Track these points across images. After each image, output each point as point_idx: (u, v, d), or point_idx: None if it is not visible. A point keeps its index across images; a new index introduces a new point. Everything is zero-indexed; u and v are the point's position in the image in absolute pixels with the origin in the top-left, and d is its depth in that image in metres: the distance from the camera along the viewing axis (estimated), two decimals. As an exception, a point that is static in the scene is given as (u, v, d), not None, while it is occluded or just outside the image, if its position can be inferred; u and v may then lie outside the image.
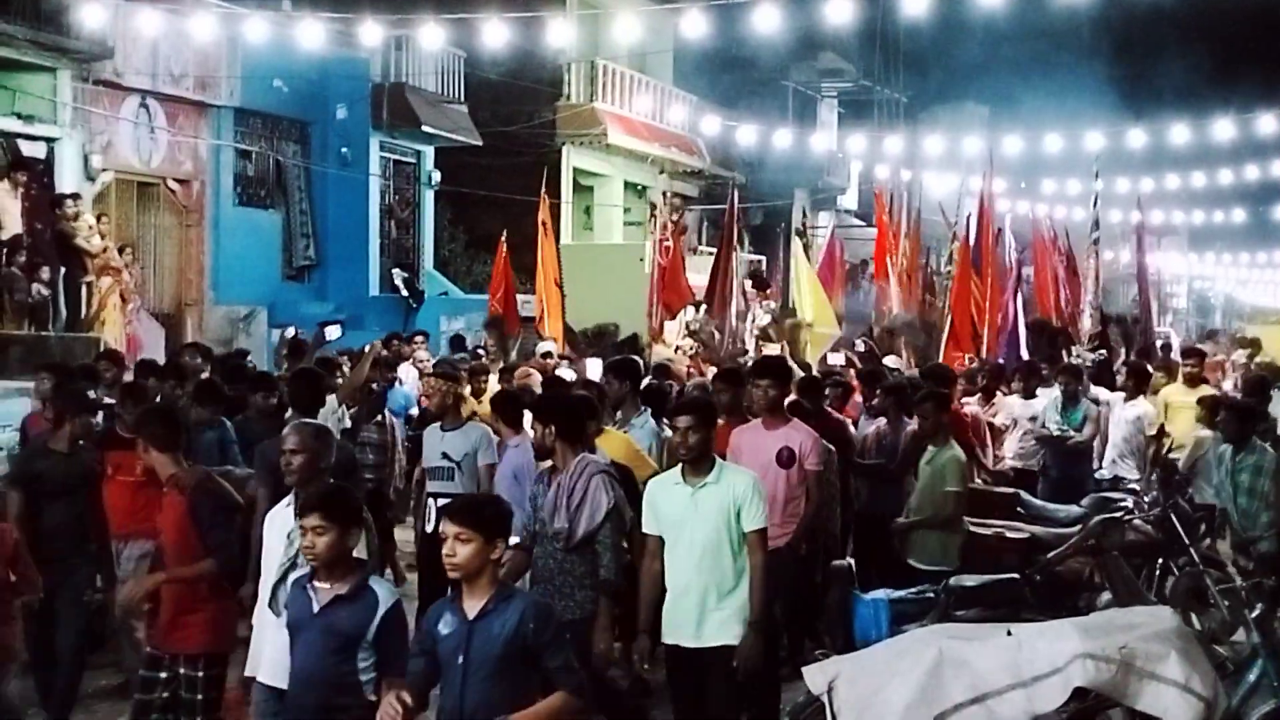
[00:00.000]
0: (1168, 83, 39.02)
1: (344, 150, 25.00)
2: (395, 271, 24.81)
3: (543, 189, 18.82)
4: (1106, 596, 8.36)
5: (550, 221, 19.06)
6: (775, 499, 8.04)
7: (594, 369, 13.21)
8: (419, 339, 17.22)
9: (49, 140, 18.79)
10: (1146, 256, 21.41)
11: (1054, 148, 26.05)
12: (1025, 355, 16.57)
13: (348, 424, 11.09)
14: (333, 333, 13.20)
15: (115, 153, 20.45)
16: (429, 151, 27.02)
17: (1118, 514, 9.20)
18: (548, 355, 15.55)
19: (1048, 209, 30.04)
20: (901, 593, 8.22)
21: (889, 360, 16.10)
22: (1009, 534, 10.00)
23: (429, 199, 27.26)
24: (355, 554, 5.77)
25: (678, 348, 17.74)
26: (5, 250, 17.34)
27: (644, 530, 7.23)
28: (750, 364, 12.03)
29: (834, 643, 8.53)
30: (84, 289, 17.83)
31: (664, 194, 30.72)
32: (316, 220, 25.16)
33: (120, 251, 18.65)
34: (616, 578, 7.30)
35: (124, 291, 18.19)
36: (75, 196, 18.10)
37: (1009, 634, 5.71)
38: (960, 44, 37.08)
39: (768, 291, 19.87)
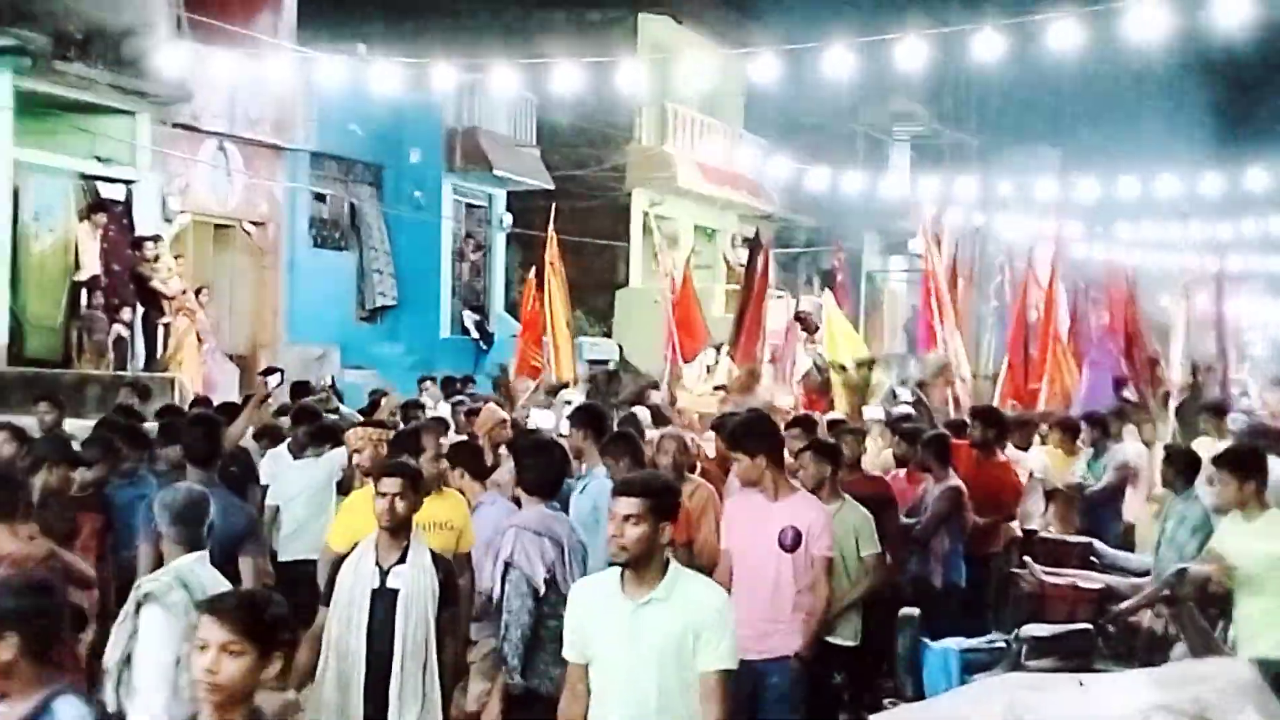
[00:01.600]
0: (1245, 124, 38.66)
1: (417, 193, 25.24)
2: (466, 314, 25.00)
3: (550, 226, 18.16)
4: (1181, 648, 8.21)
5: (558, 261, 18.18)
6: (778, 592, 7.06)
7: (543, 420, 12.09)
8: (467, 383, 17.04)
9: (127, 182, 19.08)
10: (1225, 303, 20.94)
11: (1129, 191, 25.83)
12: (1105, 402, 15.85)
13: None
14: (272, 381, 12.44)
15: (192, 195, 20.74)
16: (500, 194, 27.20)
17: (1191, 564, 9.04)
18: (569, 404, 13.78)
19: (1124, 253, 29.77)
20: (972, 641, 8.13)
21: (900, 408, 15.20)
22: (1082, 584, 9.86)
23: (500, 241, 27.43)
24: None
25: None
26: (84, 290, 17.66)
27: (565, 655, 5.36)
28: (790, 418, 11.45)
29: (902, 692, 8.46)
30: (161, 329, 18.07)
31: (733, 236, 30.78)
32: (389, 262, 25.39)
33: (196, 293, 18.89)
34: (505, 651, 6.56)
35: (200, 332, 18.42)
36: (156, 239, 18.37)
37: (1080, 685, 5.63)
38: (1032, 86, 36.92)
39: (815, 335, 18.92)
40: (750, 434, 7.36)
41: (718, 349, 17.37)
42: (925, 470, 10.27)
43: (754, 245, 18.85)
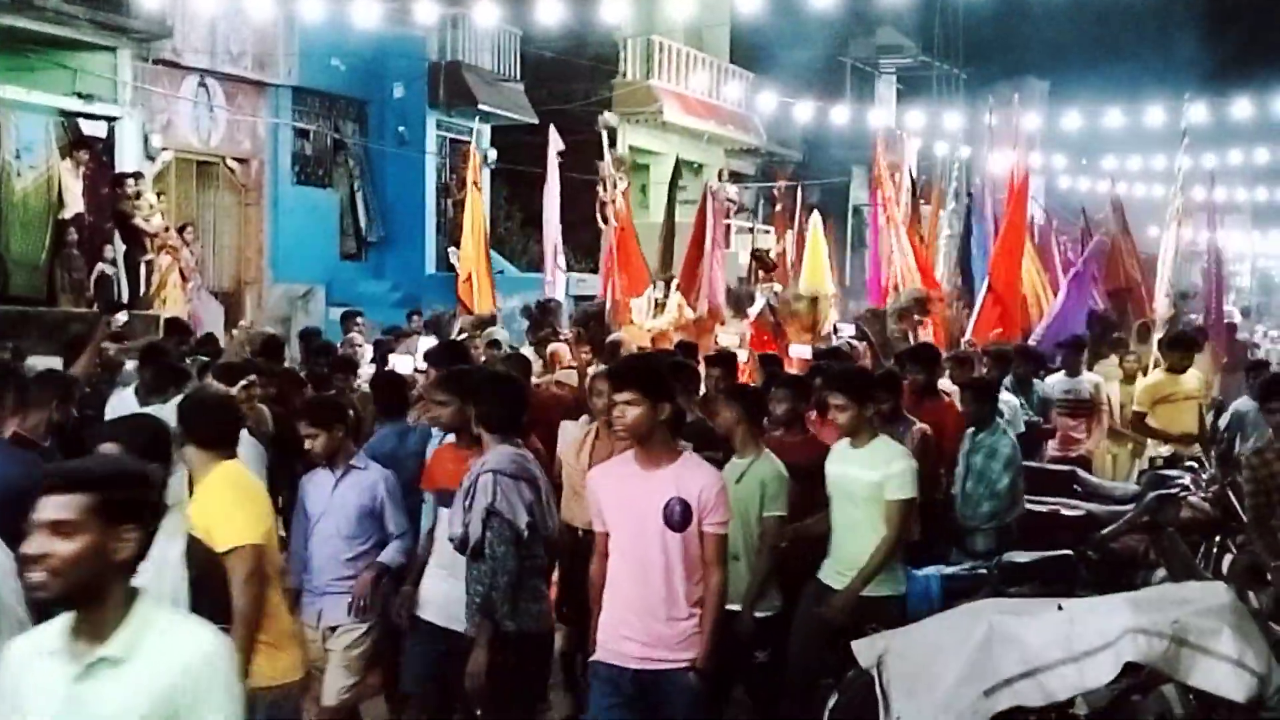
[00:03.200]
0: (1231, 56, 38.50)
1: (401, 129, 25.13)
2: (451, 250, 24.90)
3: (472, 145, 18.11)
4: (1161, 574, 8.28)
5: (478, 181, 17.51)
6: (668, 583, 5.64)
7: (401, 364, 11.52)
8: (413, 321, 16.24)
9: (109, 119, 18.96)
10: (1198, 234, 20.80)
11: (1115, 122, 25.78)
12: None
13: None
14: (119, 320, 11.06)
15: (175, 132, 20.63)
16: (485, 130, 27.06)
17: (1174, 490, 9.10)
18: (494, 343, 13.14)
19: (1110, 186, 29.72)
20: (954, 569, 8.18)
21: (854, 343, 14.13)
22: (1064, 511, 9.93)
23: (485, 177, 27.33)
24: None
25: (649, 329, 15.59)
26: (65, 229, 17.58)
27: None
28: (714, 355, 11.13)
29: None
30: (144, 267, 18.02)
31: (719, 170, 30.65)
32: (374, 199, 25.31)
33: (180, 230, 18.83)
34: (491, 598, 6.29)
35: (184, 270, 18.37)
36: (137, 175, 18.28)
37: (1060, 609, 5.68)
38: (1020, 17, 36.70)
39: (772, 274, 18.51)
40: (631, 377, 5.79)
41: (668, 283, 16.83)
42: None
43: (703, 195, 18.45)
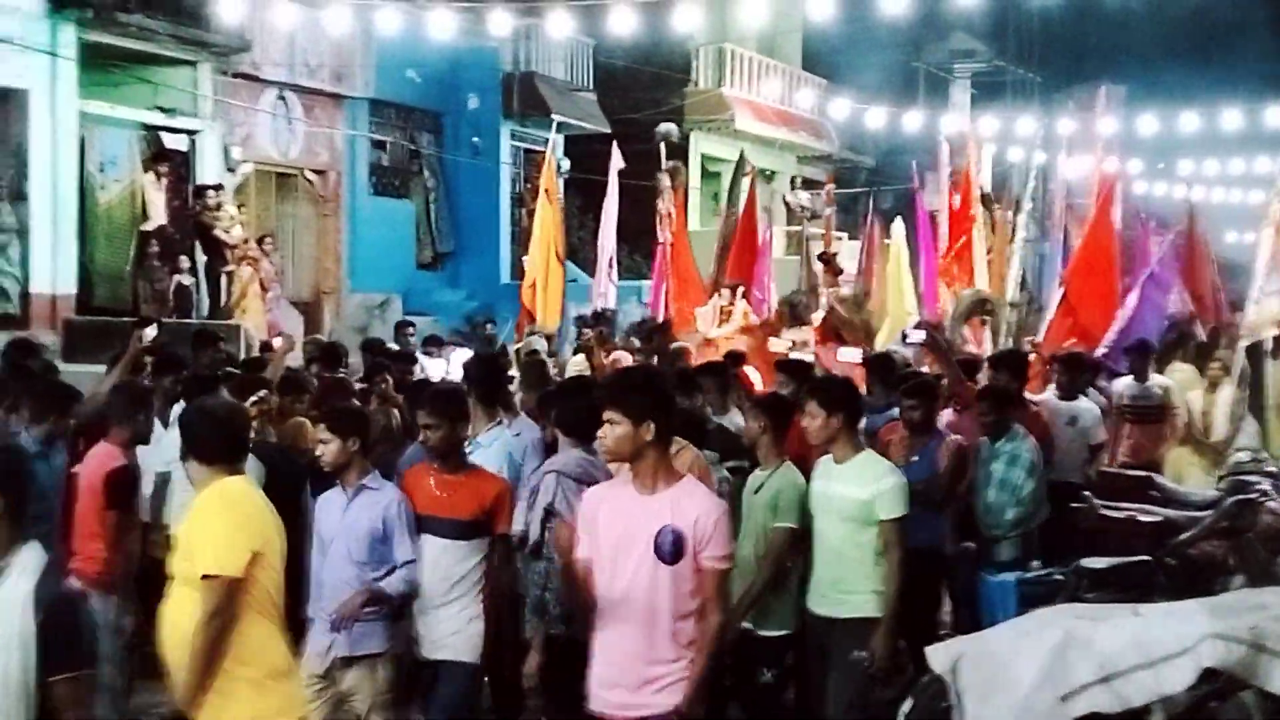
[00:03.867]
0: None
1: (475, 140, 25.32)
2: (525, 259, 25.07)
3: (548, 151, 18.19)
4: (1240, 580, 8.20)
5: (552, 189, 17.61)
6: (653, 622, 5.17)
7: (433, 368, 11.47)
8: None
9: (190, 133, 19.29)
10: None
11: (1191, 126, 25.48)
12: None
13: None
14: (149, 334, 10.74)
15: (254, 144, 20.93)
16: (559, 139, 27.19)
17: (1253, 495, 9.01)
18: (534, 353, 13.11)
19: (1187, 190, 29.40)
20: (1030, 574, 8.16)
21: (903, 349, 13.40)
22: (1141, 517, 9.85)
23: (559, 186, 27.45)
24: None
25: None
26: (148, 240, 17.89)
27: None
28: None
29: (960, 623, 8.52)
30: (224, 278, 18.28)
31: (792, 178, 30.61)
32: (450, 209, 25.51)
33: (259, 241, 19.09)
34: (542, 600, 6.40)
35: (263, 280, 18.61)
36: (218, 188, 18.57)
37: (1136, 614, 5.66)
38: (1095, 21, 36.38)
39: (838, 277, 17.91)
40: (613, 394, 5.38)
41: (733, 290, 16.67)
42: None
43: (749, 197, 18.66)
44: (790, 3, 24.08)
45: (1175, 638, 5.38)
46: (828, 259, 18.20)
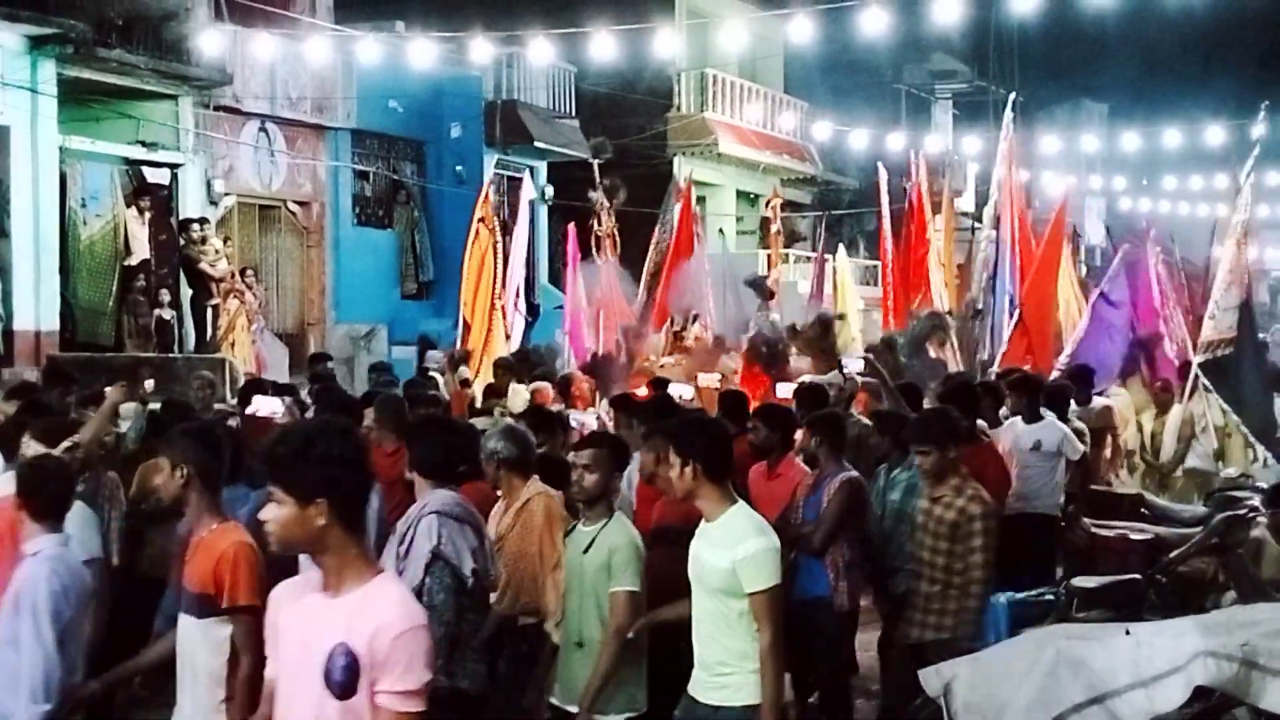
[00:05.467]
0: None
1: (459, 168, 25.31)
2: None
3: (486, 180, 17.68)
4: (1231, 596, 8.18)
5: (490, 217, 16.94)
6: None
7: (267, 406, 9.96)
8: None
9: (172, 166, 19.27)
10: (1264, 253, 20.02)
11: (1173, 143, 25.60)
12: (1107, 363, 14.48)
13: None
14: (148, 385, 9.66)
15: (236, 177, 20.90)
16: (542, 167, 27.24)
17: (1242, 511, 9.01)
18: (465, 383, 12.81)
19: (1170, 205, 29.52)
20: (1021, 595, 8.13)
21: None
22: (1132, 535, 9.85)
23: (543, 214, 27.49)
24: None
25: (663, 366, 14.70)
26: (132, 275, 17.85)
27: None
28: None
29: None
30: (209, 311, 18.24)
31: (767, 202, 30.65)
32: (434, 238, 25.49)
33: (243, 273, 19.07)
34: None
35: (248, 313, 18.59)
36: (203, 221, 18.56)
37: (1128, 633, 5.63)
38: (1074, 41, 36.56)
39: (771, 302, 17.46)
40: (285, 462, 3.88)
41: (685, 316, 16.29)
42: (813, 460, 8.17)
43: (684, 206, 18.22)
44: (771, 27, 24.19)
45: (1167, 656, 5.35)
46: (758, 283, 17.49)
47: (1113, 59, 42.82)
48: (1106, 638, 5.69)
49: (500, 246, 16.90)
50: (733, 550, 5.48)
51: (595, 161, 18.95)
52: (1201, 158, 27.88)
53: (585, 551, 6.11)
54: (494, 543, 6.52)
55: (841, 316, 16.81)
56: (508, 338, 16.69)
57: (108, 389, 8.86)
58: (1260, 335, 16.90)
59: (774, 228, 22.45)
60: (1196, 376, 12.66)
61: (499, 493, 6.95)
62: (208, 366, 16.16)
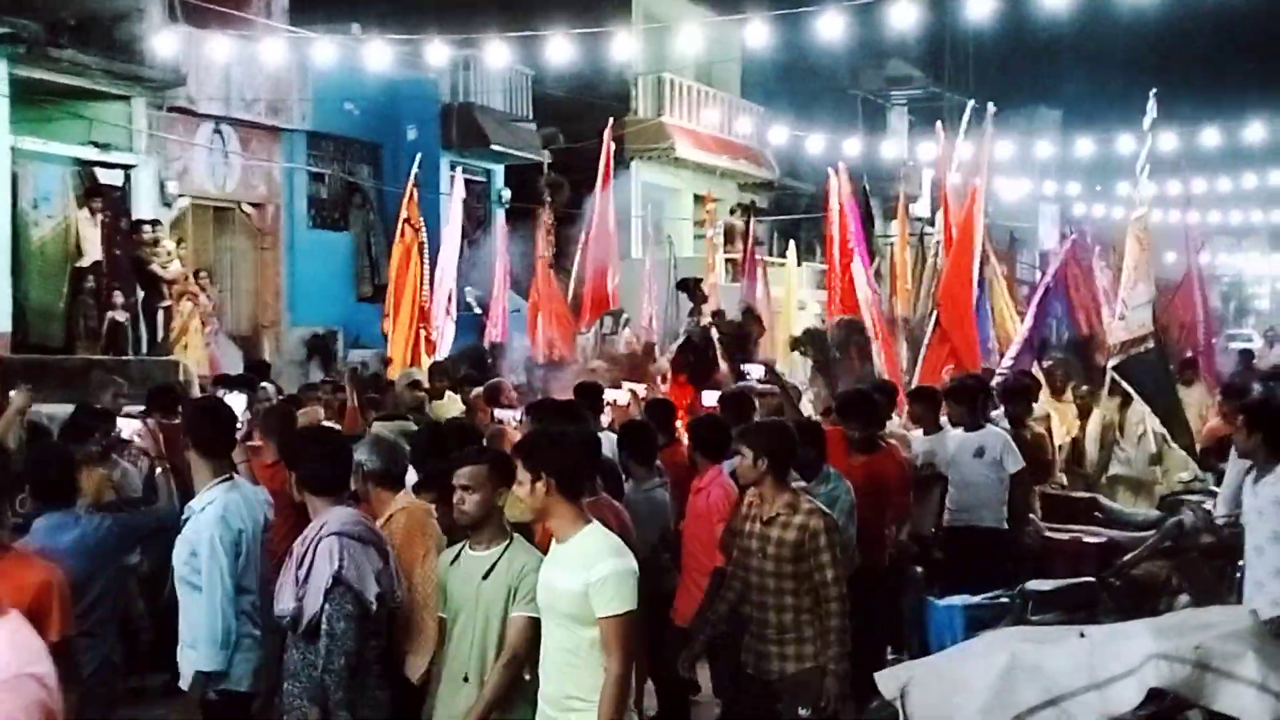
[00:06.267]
0: (1247, 80, 38.55)
1: (415, 171, 25.21)
2: (468, 290, 25.00)
3: (411, 179, 17.11)
4: (1185, 599, 8.25)
5: (415, 218, 16.62)
6: None
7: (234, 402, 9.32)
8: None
9: (125, 167, 19.10)
10: (1216, 258, 20.01)
11: (1127, 149, 25.77)
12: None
13: None
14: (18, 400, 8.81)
15: (190, 178, 20.75)
16: (499, 170, 27.19)
17: (1194, 515, 9.08)
18: (414, 384, 12.59)
19: (1124, 211, 29.70)
20: (977, 598, 8.17)
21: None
22: (1086, 538, 9.92)
23: (500, 217, 27.44)
24: None
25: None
26: (83, 277, 17.69)
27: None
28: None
29: (909, 648, 8.51)
30: (161, 314, 18.09)
31: (732, 205, 30.70)
32: (390, 241, 25.38)
33: (197, 275, 18.93)
34: (327, 681, 5.53)
35: (202, 315, 18.46)
36: (154, 223, 18.39)
37: (1081, 636, 5.66)
38: (1030, 48, 36.80)
39: (702, 306, 16.73)
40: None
41: (615, 318, 16.08)
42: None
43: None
44: (727, 31, 24.20)
45: (1121, 659, 5.38)
46: (690, 286, 17.05)
47: (1067, 65, 43.22)
48: (1061, 640, 5.72)
49: (425, 248, 16.62)
50: (586, 572, 5.22)
51: (546, 153, 18.79)
52: (1154, 163, 28.09)
53: (485, 578, 5.67)
54: None
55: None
56: (430, 342, 16.18)
57: (12, 393, 8.85)
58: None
59: (709, 231, 22.25)
60: (1113, 380, 12.40)
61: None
62: (160, 368, 16.04)
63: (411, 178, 17.13)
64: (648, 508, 8.04)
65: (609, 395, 11.32)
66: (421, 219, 16.73)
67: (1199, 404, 14.00)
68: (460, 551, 5.85)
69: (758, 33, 17.48)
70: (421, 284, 16.32)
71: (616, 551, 5.33)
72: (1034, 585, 8.11)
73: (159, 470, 7.48)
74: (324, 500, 5.82)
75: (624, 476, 8.11)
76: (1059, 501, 10.93)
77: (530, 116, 27.17)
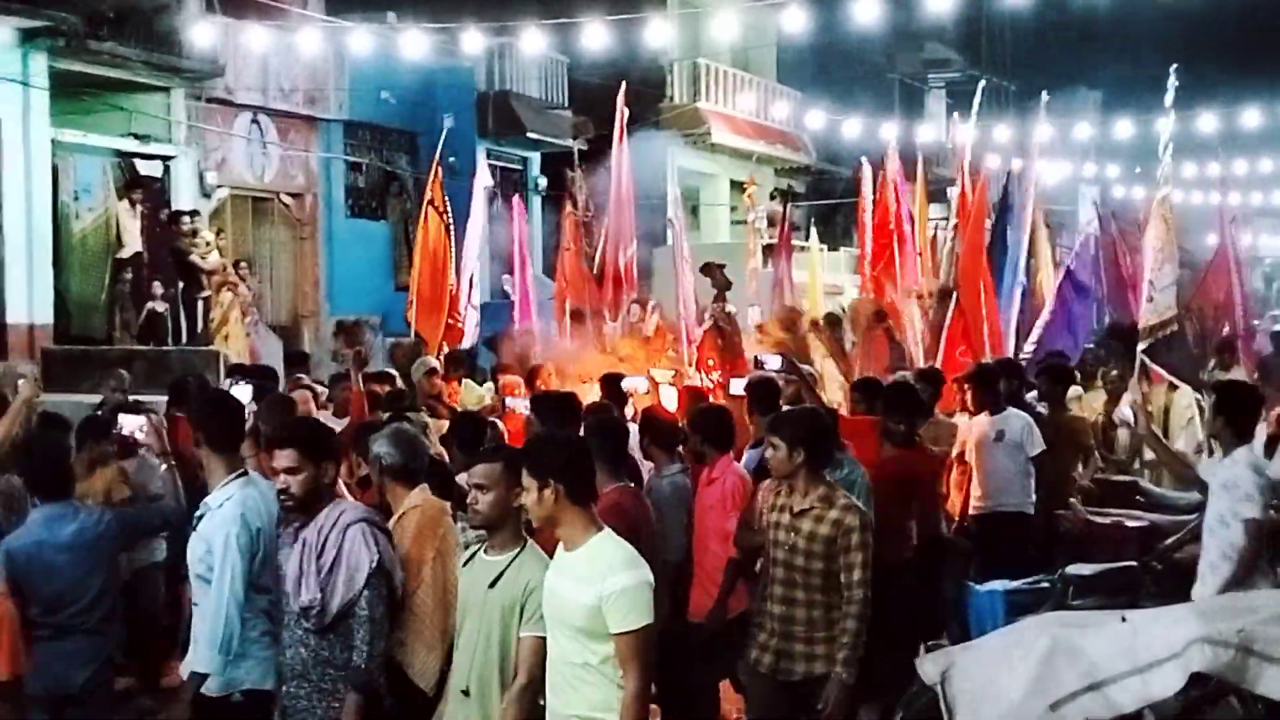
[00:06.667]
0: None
1: (451, 159, 25.24)
2: (504, 277, 25.03)
3: (435, 159, 16.91)
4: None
5: (439, 196, 16.39)
6: None
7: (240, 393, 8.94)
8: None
9: (165, 159, 19.20)
10: (1258, 239, 19.71)
11: (1166, 129, 25.58)
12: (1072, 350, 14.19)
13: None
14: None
15: (229, 169, 20.85)
16: (535, 157, 27.20)
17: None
18: (432, 372, 12.46)
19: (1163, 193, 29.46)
20: (1017, 583, 8.14)
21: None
22: (1128, 522, 9.86)
23: (536, 204, 27.45)
24: None
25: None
26: (123, 268, 17.81)
27: None
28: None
29: (950, 634, 8.48)
30: (201, 304, 18.19)
31: (770, 191, 30.61)
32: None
33: (236, 266, 19.02)
34: (370, 667, 5.51)
35: (242, 305, 18.54)
36: (194, 214, 18.50)
37: (1124, 620, 5.63)
38: (1069, 29, 36.52)
39: (726, 294, 16.41)
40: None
41: (643, 305, 15.78)
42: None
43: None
44: (763, 16, 24.14)
45: (1163, 643, 5.36)
46: (711, 270, 16.69)
47: (1106, 46, 42.85)
48: (1103, 625, 5.70)
49: (453, 232, 16.30)
50: (599, 584, 4.92)
51: (574, 143, 18.76)
52: (1194, 144, 27.82)
53: (491, 586, 5.36)
54: None
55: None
56: (459, 330, 15.93)
57: (19, 382, 8.81)
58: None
59: (751, 216, 22.08)
60: (1142, 364, 12.21)
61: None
62: (201, 359, 16.14)
63: (436, 158, 16.96)
64: (671, 493, 7.95)
65: (628, 384, 11.08)
66: (448, 201, 16.47)
67: None
68: (475, 554, 5.59)
69: (794, 17, 17.41)
70: (448, 270, 16.04)
71: (630, 563, 5.02)
72: (1075, 570, 8.07)
73: (164, 466, 7.25)
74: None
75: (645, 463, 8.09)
76: (1101, 485, 10.87)
77: (566, 104, 27.16)
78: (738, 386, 10.63)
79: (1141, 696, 5.35)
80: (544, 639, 5.20)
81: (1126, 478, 11.35)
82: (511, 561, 5.36)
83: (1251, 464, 7.37)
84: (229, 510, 5.95)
